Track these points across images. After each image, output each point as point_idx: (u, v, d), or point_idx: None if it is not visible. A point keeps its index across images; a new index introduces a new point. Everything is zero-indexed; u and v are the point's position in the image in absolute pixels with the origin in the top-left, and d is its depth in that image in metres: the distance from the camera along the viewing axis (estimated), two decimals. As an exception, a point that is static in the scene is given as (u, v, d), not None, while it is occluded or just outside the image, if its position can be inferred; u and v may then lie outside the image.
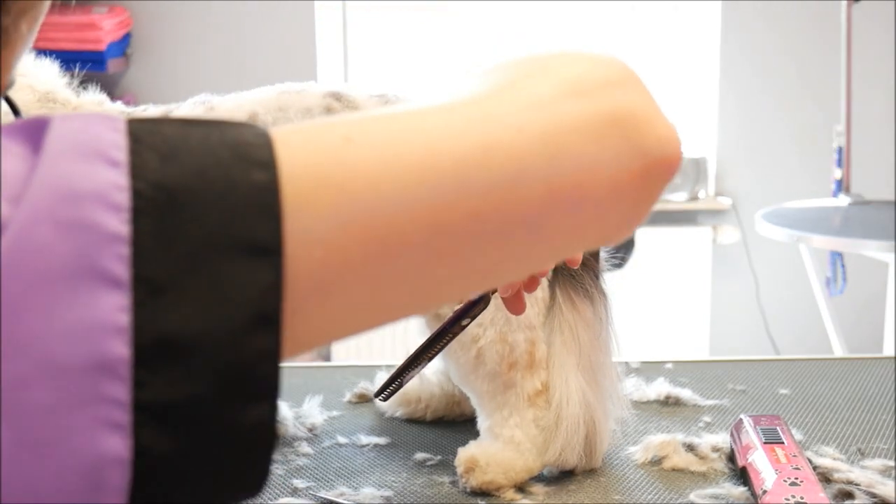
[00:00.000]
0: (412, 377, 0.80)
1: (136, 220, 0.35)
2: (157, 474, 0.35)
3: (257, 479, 0.39)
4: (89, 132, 0.36)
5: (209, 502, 0.38)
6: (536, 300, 1.01)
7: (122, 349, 0.34)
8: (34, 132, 0.36)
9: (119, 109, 1.07)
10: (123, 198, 0.35)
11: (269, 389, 0.37)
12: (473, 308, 0.75)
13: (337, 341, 0.46)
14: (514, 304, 0.73)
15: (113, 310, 0.34)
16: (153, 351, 0.35)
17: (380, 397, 0.83)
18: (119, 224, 0.35)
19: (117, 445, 0.34)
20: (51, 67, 1.07)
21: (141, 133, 0.37)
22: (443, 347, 0.78)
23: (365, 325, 0.43)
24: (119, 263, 0.34)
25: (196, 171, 0.37)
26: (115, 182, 0.35)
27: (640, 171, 0.48)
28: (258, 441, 0.38)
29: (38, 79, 1.05)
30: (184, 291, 0.35)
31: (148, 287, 0.35)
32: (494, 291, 0.75)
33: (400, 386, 0.81)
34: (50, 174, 0.35)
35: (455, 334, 0.77)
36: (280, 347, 0.37)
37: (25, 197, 0.34)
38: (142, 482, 0.35)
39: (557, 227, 0.47)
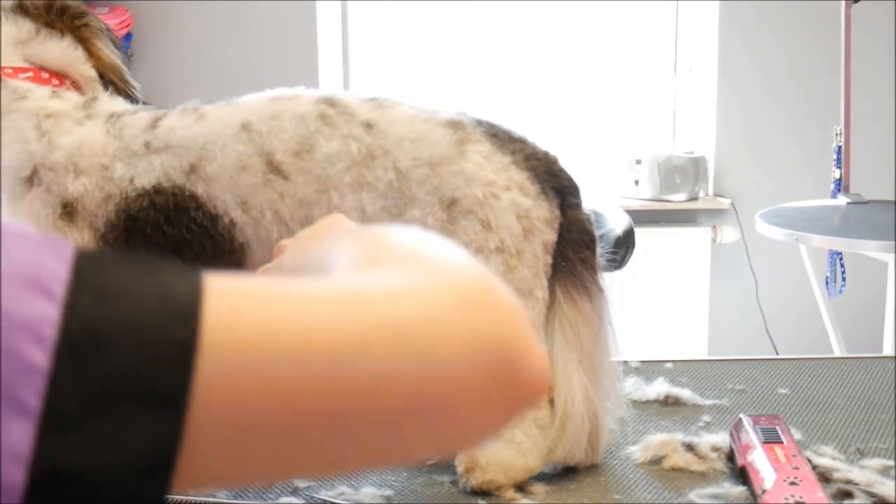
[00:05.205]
0: None
1: (57, 355, 0.38)
2: None
3: None
4: (36, 259, 0.40)
5: None
6: (537, 300, 1.01)
7: (18, 476, 0.37)
8: None
9: (123, 108, 1.08)
10: (51, 332, 0.38)
11: None
12: None
13: (224, 488, 0.48)
14: None
15: (19, 438, 0.37)
16: (46, 481, 0.38)
17: None
18: (41, 357, 0.38)
19: None
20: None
21: (85, 270, 0.40)
22: None
23: (248, 479, 0.46)
24: (33, 395, 0.38)
25: (123, 318, 0.40)
26: (48, 315, 0.39)
27: (507, 402, 0.47)
28: None
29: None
30: (85, 430, 0.38)
31: (55, 420, 0.38)
32: None
33: None
34: None
35: None
36: (165, 495, 0.40)
37: None
38: None
39: (419, 428, 0.45)
